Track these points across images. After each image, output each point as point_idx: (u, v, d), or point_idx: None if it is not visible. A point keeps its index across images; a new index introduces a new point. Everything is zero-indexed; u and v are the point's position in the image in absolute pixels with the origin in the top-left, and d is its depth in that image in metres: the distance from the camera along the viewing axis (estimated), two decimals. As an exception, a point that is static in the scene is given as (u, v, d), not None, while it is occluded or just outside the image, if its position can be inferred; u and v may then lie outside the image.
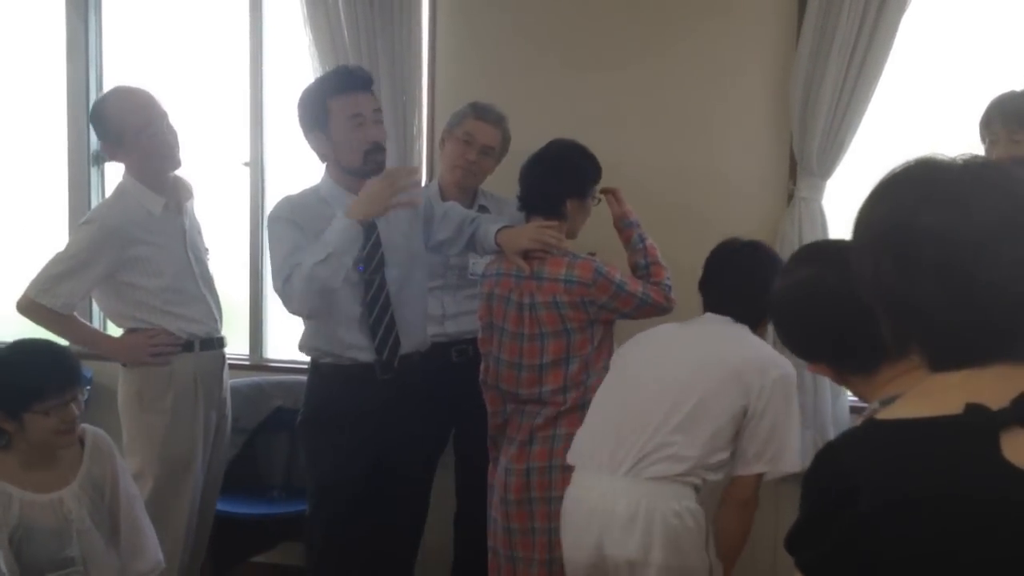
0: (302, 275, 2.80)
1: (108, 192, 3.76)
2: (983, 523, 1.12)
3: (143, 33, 4.27)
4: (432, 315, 3.30)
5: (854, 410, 3.46)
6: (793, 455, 2.52)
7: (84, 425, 2.67)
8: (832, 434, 3.45)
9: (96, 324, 3.91)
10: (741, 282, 2.66)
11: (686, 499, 2.48)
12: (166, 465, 3.17)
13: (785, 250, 3.10)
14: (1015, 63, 3.40)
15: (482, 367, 3.05)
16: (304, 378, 3.21)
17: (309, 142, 3.03)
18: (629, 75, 3.68)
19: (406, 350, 3.01)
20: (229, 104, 4.14)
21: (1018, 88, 3.04)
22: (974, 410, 1.15)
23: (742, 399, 2.50)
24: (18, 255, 4.25)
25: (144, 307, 3.22)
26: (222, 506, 3.64)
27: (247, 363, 4.14)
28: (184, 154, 3.29)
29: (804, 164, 3.44)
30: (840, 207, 3.54)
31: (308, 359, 3.14)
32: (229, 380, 3.49)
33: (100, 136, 3.27)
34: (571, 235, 2.97)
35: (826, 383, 3.39)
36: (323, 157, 3.03)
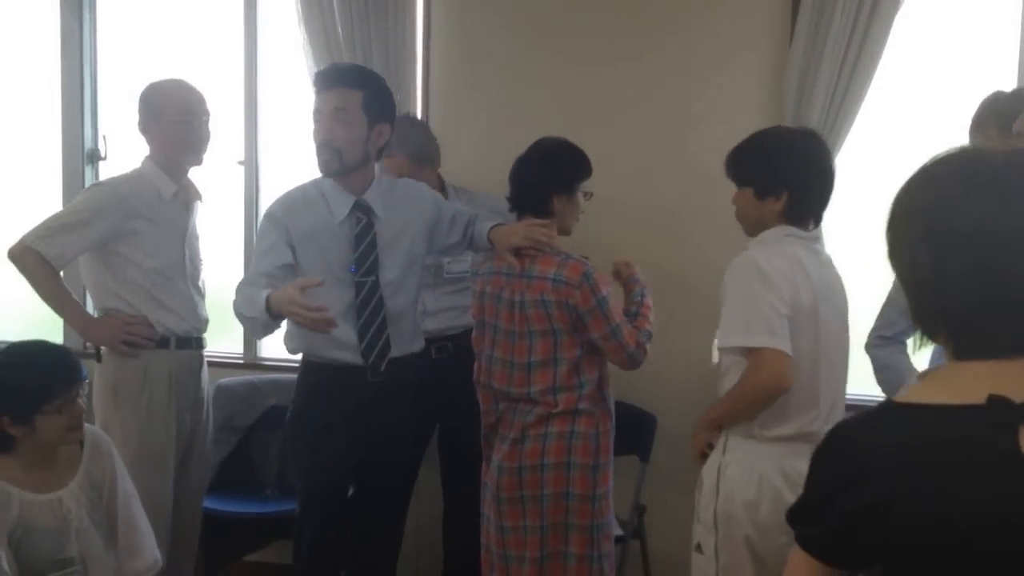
0: (237, 313, 2.83)
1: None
2: (992, 513, 1.13)
3: (138, 31, 4.28)
4: None
5: (849, 407, 3.45)
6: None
7: (85, 425, 2.66)
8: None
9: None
10: None
11: None
12: (137, 463, 3.10)
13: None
14: (1007, 61, 3.41)
15: (476, 365, 3.05)
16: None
17: None
18: (623, 72, 3.69)
19: (396, 353, 3.00)
20: (224, 103, 4.13)
21: (1008, 87, 3.04)
22: (997, 402, 1.15)
23: None
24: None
25: (131, 285, 3.23)
26: (215, 504, 3.64)
27: (241, 362, 4.15)
28: (208, 157, 3.37)
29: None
30: (833, 204, 3.54)
31: (300, 358, 3.13)
32: (208, 382, 3.48)
33: (142, 109, 3.31)
34: (564, 231, 2.97)
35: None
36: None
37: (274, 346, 4.08)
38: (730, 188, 2.66)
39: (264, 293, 2.67)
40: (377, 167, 3.11)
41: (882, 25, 3.33)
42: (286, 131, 4.03)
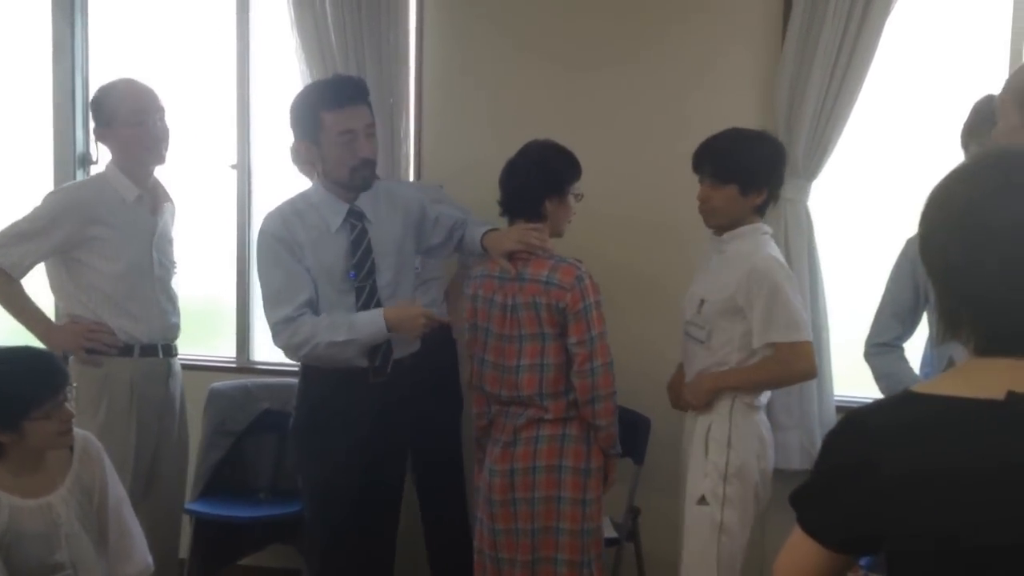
0: (312, 344, 2.81)
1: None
2: (1001, 505, 1.14)
3: (130, 35, 4.27)
4: None
5: (840, 409, 3.47)
6: None
7: (74, 429, 2.65)
8: (819, 435, 3.46)
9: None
10: None
11: None
12: None
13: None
14: (997, 63, 3.42)
15: (469, 369, 3.06)
16: (291, 380, 3.19)
17: (298, 149, 3.05)
18: (615, 78, 3.70)
19: (398, 355, 3.00)
20: (216, 107, 4.14)
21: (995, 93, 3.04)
22: (1017, 398, 1.16)
23: None
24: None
25: (93, 291, 3.19)
26: (209, 508, 3.64)
27: (234, 366, 4.14)
28: (170, 153, 3.30)
29: (790, 166, 3.42)
30: (825, 208, 3.56)
31: (295, 363, 3.12)
32: (182, 387, 3.42)
33: (95, 117, 3.28)
34: (556, 234, 2.98)
35: (811, 385, 3.39)
36: (310, 165, 3.01)
37: (266, 350, 4.08)
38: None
39: (366, 315, 2.84)
40: None
41: (872, 30, 3.33)
42: (279, 135, 4.02)
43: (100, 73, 4.24)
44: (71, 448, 2.64)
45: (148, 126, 3.23)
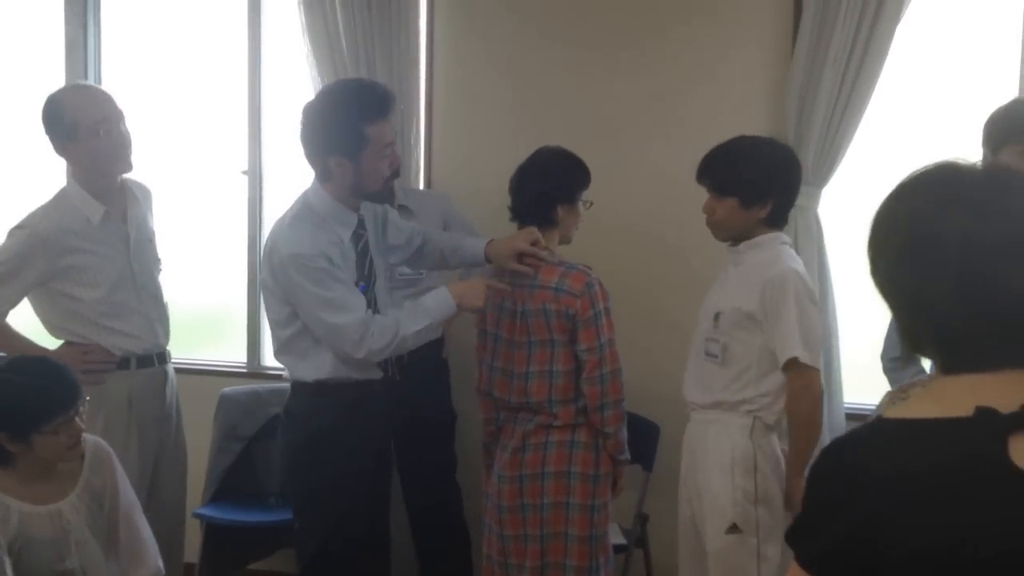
0: (400, 338, 2.73)
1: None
2: (987, 524, 1.13)
3: (142, 40, 4.29)
4: None
5: (850, 416, 3.46)
6: None
7: (84, 435, 2.66)
8: (828, 439, 3.45)
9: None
10: None
11: None
12: None
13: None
14: (1008, 70, 3.41)
15: (478, 375, 3.06)
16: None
17: (323, 163, 2.77)
18: (626, 82, 3.70)
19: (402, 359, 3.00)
20: (228, 112, 4.15)
21: (1010, 96, 3.02)
22: (984, 413, 1.16)
23: None
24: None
25: (78, 319, 3.10)
26: (218, 513, 3.65)
27: (244, 371, 4.15)
28: (136, 158, 3.15)
29: (799, 172, 3.44)
30: (836, 215, 3.55)
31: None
32: (176, 394, 3.35)
33: (51, 131, 3.09)
34: (565, 240, 2.98)
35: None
36: (331, 178, 2.78)
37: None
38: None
39: (431, 297, 2.80)
40: None
41: (883, 36, 3.32)
42: (290, 141, 4.03)
43: (112, 77, 4.27)
44: (81, 456, 2.65)
45: (114, 134, 3.06)
